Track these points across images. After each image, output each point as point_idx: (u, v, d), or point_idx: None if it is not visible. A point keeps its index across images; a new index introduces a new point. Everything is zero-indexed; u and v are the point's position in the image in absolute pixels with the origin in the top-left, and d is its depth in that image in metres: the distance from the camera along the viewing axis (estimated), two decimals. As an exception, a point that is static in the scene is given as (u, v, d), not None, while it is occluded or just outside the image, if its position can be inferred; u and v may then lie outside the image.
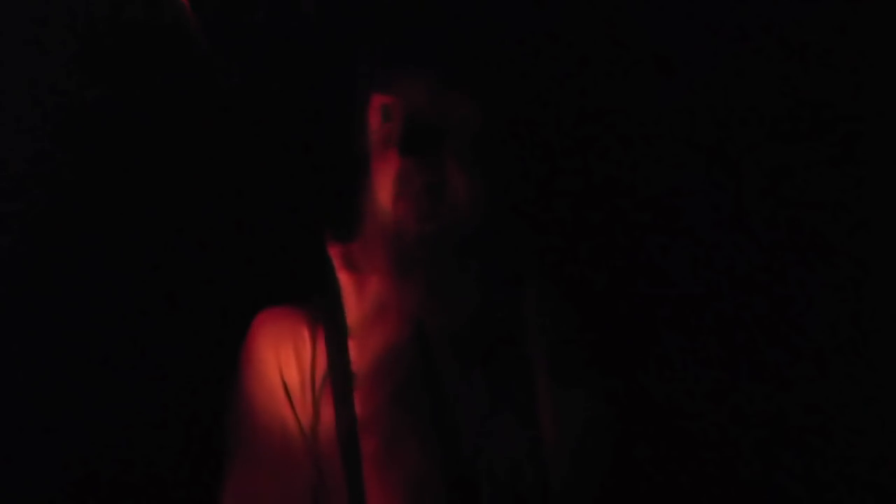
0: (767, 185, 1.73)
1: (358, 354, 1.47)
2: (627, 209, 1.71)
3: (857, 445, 1.66)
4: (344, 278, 1.49)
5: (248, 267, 1.72)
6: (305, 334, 1.50)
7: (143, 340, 1.73)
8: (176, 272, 1.73)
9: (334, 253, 1.50)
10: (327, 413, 1.48)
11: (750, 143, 1.73)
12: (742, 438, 1.66)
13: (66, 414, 1.72)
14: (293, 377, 1.49)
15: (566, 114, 1.60)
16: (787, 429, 1.67)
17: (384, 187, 1.44)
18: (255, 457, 1.49)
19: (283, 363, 1.49)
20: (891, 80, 1.71)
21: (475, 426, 1.46)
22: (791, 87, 1.73)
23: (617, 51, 1.73)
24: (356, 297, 1.49)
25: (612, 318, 1.53)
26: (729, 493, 1.63)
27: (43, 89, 1.71)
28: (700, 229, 1.72)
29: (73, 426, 1.72)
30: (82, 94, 1.73)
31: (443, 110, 1.42)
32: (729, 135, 1.73)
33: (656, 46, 1.72)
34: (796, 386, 1.68)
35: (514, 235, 1.48)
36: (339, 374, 1.47)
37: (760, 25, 1.72)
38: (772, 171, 1.73)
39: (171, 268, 1.73)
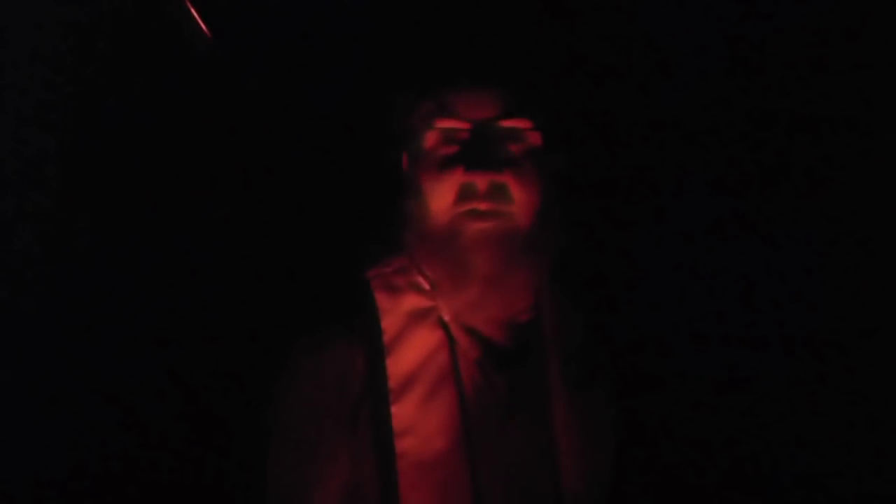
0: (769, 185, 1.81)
1: (393, 368, 1.60)
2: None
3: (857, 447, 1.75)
4: (380, 299, 1.62)
5: (288, 291, 1.81)
6: (345, 356, 1.61)
7: (144, 340, 1.78)
8: (184, 275, 1.80)
9: (372, 276, 1.64)
10: (364, 424, 1.61)
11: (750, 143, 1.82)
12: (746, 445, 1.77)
13: (65, 414, 1.75)
14: (333, 396, 1.61)
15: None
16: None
17: (440, 198, 1.55)
18: (298, 461, 1.62)
19: (325, 386, 1.60)
20: (891, 80, 1.76)
21: (494, 431, 1.60)
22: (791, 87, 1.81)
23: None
24: (391, 316, 1.62)
25: (623, 330, 1.65)
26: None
27: (41, 89, 1.74)
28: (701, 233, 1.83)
29: (73, 426, 1.76)
30: (80, 93, 1.77)
31: (508, 127, 1.55)
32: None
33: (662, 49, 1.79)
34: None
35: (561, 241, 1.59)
36: (376, 391, 1.60)
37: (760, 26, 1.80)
38: (771, 171, 1.82)
39: (174, 269, 1.79)
